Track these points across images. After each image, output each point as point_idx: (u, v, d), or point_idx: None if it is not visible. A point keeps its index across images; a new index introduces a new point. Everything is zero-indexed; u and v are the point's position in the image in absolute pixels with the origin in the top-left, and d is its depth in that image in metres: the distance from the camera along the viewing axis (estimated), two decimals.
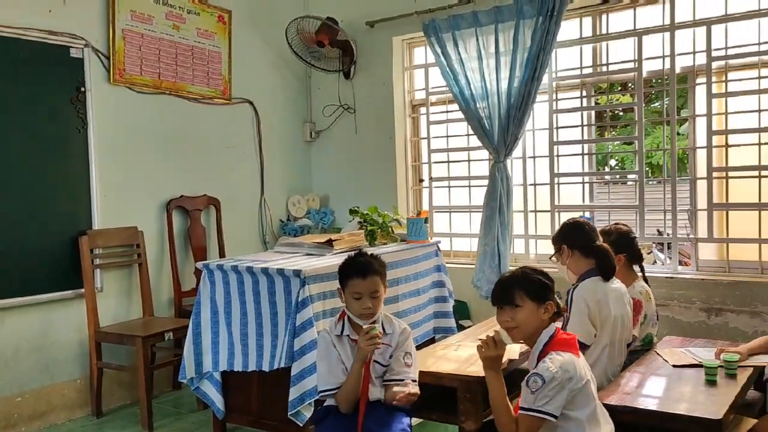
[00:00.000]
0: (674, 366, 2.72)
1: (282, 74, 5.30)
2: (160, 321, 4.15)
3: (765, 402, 2.93)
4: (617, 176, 8.51)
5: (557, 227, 4.39)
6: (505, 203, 4.39)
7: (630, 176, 7.02)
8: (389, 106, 5.08)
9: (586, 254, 2.85)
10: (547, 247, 4.52)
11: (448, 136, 4.96)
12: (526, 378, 2.11)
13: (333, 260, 3.35)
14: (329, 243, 3.64)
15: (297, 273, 3.09)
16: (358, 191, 5.18)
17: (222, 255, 4.67)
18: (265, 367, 3.19)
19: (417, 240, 4.06)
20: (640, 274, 3.19)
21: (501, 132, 4.35)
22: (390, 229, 4.09)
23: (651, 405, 2.35)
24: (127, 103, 4.24)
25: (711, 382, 2.51)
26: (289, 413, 2.98)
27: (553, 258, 3.01)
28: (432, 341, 4.03)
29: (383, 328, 2.58)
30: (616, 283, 2.82)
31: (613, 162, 10.22)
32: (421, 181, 5.19)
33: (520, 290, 2.18)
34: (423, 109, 5.11)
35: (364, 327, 2.48)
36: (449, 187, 5.01)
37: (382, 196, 4.96)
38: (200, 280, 3.46)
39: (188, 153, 4.61)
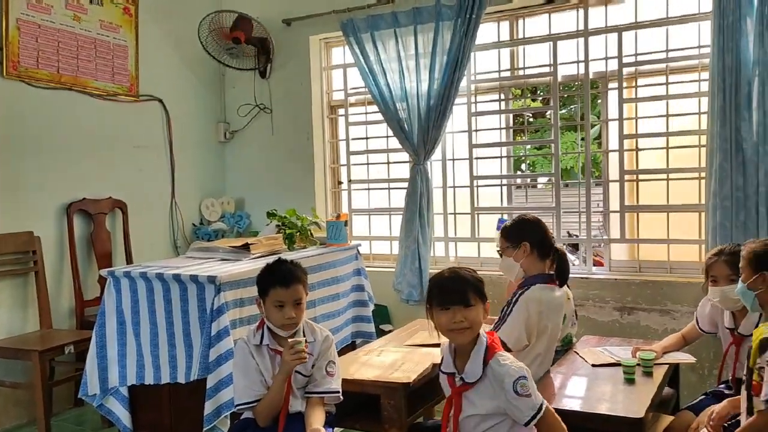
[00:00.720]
0: (593, 365, 2.75)
1: (194, 71, 5.07)
2: (59, 333, 3.85)
3: (678, 398, 3.03)
4: (534, 179, 8.73)
5: (477, 229, 4.45)
6: (426, 206, 4.37)
7: (545, 179, 7.22)
8: (307, 106, 4.96)
9: (542, 255, 2.77)
10: (468, 249, 4.56)
11: (367, 138, 4.89)
12: (512, 388, 1.98)
13: (250, 265, 3.21)
14: (246, 247, 3.49)
15: (212, 279, 2.93)
16: (275, 194, 5.02)
17: (129, 261, 4.40)
18: (181, 379, 3.01)
19: (337, 243, 3.97)
20: None
21: (421, 134, 4.32)
22: (309, 232, 3.98)
23: (574, 406, 2.35)
24: (21, 98, 3.92)
25: (629, 381, 2.55)
26: (204, 429, 2.82)
27: (504, 253, 2.85)
28: (352, 346, 3.95)
29: (304, 336, 2.47)
30: (559, 291, 2.77)
31: (523, 166, 10.49)
32: (340, 183, 5.10)
33: (471, 289, 2.09)
34: (342, 110, 5.02)
35: (289, 340, 2.35)
36: (368, 189, 4.94)
37: (300, 198, 4.84)
38: (105, 289, 3.23)
39: (92, 153, 4.32)
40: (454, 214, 4.58)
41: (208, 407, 2.83)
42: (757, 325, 2.39)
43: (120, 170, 4.51)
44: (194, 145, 5.09)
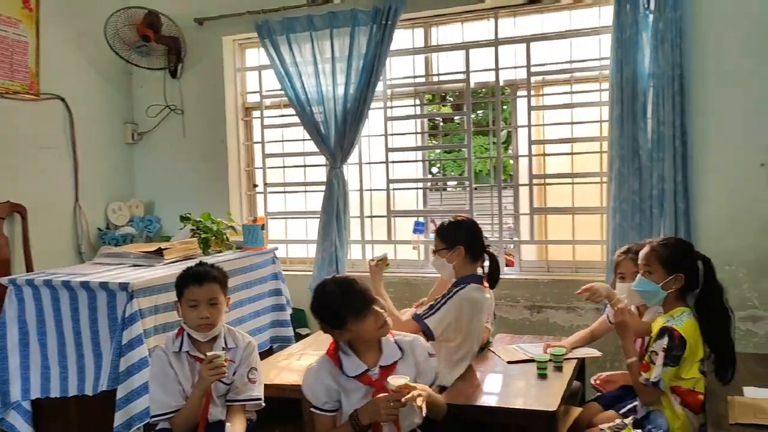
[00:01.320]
0: (508, 362, 2.86)
1: (99, 69, 4.85)
2: None
3: (584, 391, 3.20)
4: (445, 182, 8.91)
5: (394, 231, 4.52)
6: (342, 209, 4.40)
7: (454, 182, 7.42)
8: (220, 108, 4.86)
9: (474, 258, 2.84)
10: (384, 252, 4.60)
11: (283, 141, 4.86)
12: (424, 351, 2.24)
13: (164, 271, 3.13)
14: (159, 252, 3.39)
15: (123, 286, 2.83)
16: (187, 197, 4.88)
17: (29, 269, 4.15)
18: (89, 391, 2.89)
19: (253, 247, 3.93)
20: None
21: (338, 137, 4.35)
22: (225, 236, 3.91)
23: (492, 402, 2.45)
24: None
25: (542, 376, 2.69)
26: None
27: (439, 253, 2.88)
28: (270, 351, 3.91)
29: (225, 342, 2.43)
30: (488, 293, 2.87)
31: (434, 169, 10.69)
32: (255, 186, 5.03)
33: (366, 288, 2.24)
34: (257, 113, 4.96)
35: (208, 354, 2.30)
36: (285, 192, 4.91)
37: (214, 202, 4.73)
38: (5, 298, 3.04)
39: None
40: (371, 217, 4.62)
41: (118, 419, 2.73)
42: None
43: (19, 172, 4.25)
44: (100, 146, 4.87)
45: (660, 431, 2.30)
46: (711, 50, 3.63)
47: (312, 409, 2.18)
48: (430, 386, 2.20)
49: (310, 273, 4.51)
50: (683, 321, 2.34)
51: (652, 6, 3.62)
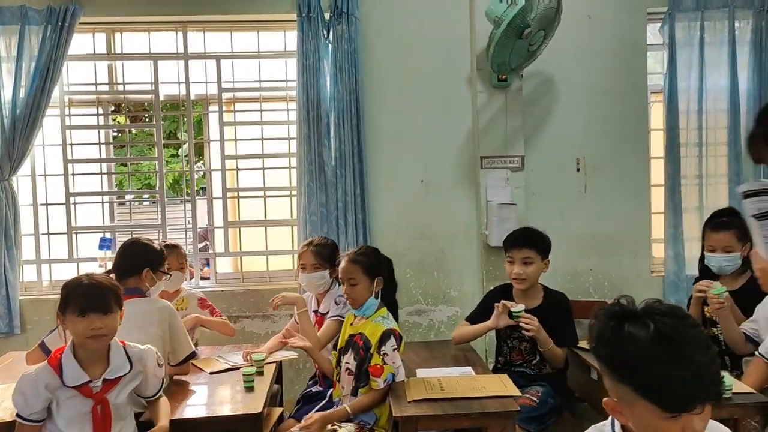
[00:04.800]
0: (211, 373, 2.90)
1: None
2: None
3: (282, 392, 3.39)
4: (124, 195, 8.33)
5: (76, 249, 4.20)
6: (12, 225, 3.95)
7: (132, 196, 7.09)
8: None
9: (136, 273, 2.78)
10: (63, 273, 4.25)
11: None
12: (155, 363, 2.28)
13: None
14: None
15: None
16: None
17: None
18: None
19: None
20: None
21: (5, 146, 3.89)
22: None
23: (200, 413, 2.47)
24: None
25: (249, 389, 2.69)
26: None
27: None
28: None
29: None
30: (159, 303, 2.81)
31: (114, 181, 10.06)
32: None
33: (111, 296, 2.20)
34: None
35: None
36: None
37: None
38: None
39: None
40: (48, 234, 4.20)
41: None
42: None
43: None
44: None
45: (370, 423, 2.59)
46: (377, 80, 4.14)
47: (17, 418, 2.11)
48: (155, 395, 2.30)
49: None
50: (393, 320, 2.68)
51: (330, 37, 4.01)
